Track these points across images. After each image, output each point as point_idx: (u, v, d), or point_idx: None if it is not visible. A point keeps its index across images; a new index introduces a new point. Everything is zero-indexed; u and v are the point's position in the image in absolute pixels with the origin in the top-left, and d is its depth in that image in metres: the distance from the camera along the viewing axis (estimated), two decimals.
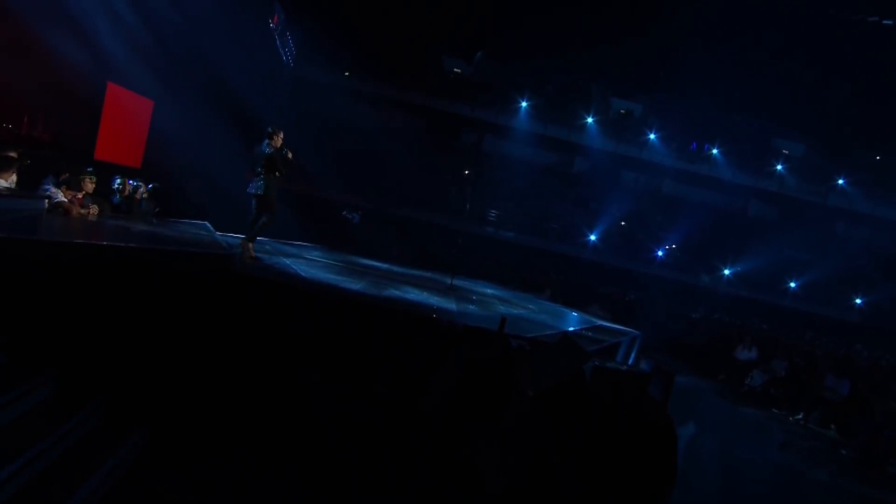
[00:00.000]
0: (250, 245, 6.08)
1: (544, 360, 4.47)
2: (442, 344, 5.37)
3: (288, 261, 7.08)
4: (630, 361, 7.32)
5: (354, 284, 6.51)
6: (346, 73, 18.54)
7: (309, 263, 7.38)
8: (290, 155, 6.17)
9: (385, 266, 9.27)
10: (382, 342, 5.36)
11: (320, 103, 17.25)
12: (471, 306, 6.94)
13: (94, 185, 5.50)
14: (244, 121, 14.17)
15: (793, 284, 15.62)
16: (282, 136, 6.10)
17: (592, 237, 17.32)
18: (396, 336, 5.38)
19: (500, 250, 15.92)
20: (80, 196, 5.38)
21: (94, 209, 5.49)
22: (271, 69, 14.80)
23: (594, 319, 8.66)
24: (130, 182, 6.86)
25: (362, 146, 17.51)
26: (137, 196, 6.62)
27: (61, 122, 10.39)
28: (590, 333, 6.83)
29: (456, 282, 8.35)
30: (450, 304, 6.73)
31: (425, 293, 7.11)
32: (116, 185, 6.43)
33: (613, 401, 4.67)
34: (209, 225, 7.16)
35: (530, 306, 8.57)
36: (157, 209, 7.01)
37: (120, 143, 11.64)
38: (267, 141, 6.04)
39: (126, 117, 11.61)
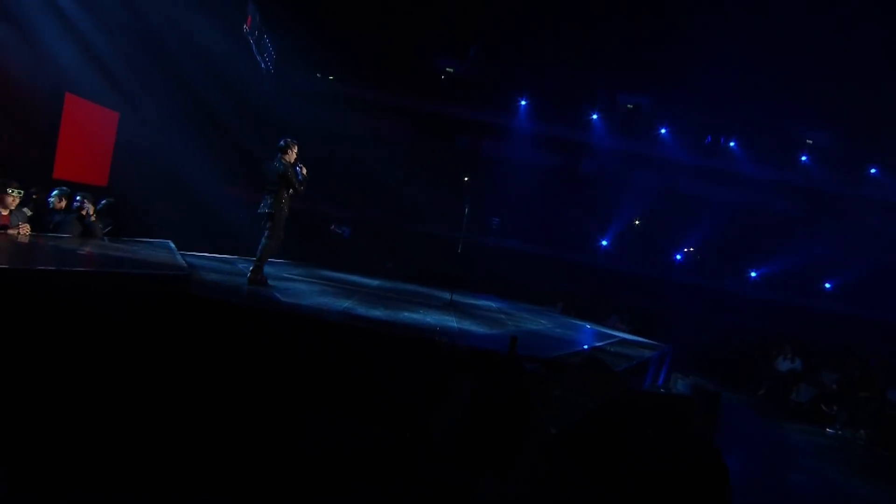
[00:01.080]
0: (260, 270, 5.84)
1: (567, 388, 3.86)
2: (443, 371, 4.77)
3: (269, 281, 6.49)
4: (661, 380, 6.71)
5: (339, 304, 5.91)
6: (331, 78, 18.14)
7: (290, 282, 6.80)
8: (304, 171, 6.03)
9: (376, 283, 8.69)
10: (371, 372, 4.76)
11: (303, 110, 16.67)
12: (475, 324, 6.34)
13: (17, 200, 4.95)
14: (220, 132, 13.73)
15: (828, 285, 15.02)
16: (296, 150, 5.96)
17: (604, 242, 16.77)
18: (388, 364, 4.78)
19: (503, 261, 15.38)
20: (5, 213, 4.81)
21: (24, 228, 4.93)
22: (247, 76, 14.36)
23: (616, 333, 8.06)
24: (77, 198, 6.33)
25: (350, 155, 17.01)
26: (84, 213, 6.07)
27: (13, 139, 9.87)
28: (614, 350, 6.23)
29: (456, 297, 7.77)
30: (450, 323, 6.14)
31: (421, 311, 6.53)
32: (50, 201, 5.89)
33: (652, 433, 4.04)
34: (171, 244, 6.61)
35: (542, 321, 7.99)
36: (108, 228, 6.47)
37: (82, 160, 11.15)
38: (279, 155, 5.85)
39: (88, 131, 11.14)
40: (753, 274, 15.57)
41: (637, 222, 17.29)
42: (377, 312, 5.90)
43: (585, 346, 5.94)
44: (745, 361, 9.40)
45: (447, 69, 18.98)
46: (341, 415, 4.69)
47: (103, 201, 6.64)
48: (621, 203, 17.14)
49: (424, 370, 4.85)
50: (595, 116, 17.85)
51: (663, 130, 17.50)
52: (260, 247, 5.92)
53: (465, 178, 18.35)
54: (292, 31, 15.98)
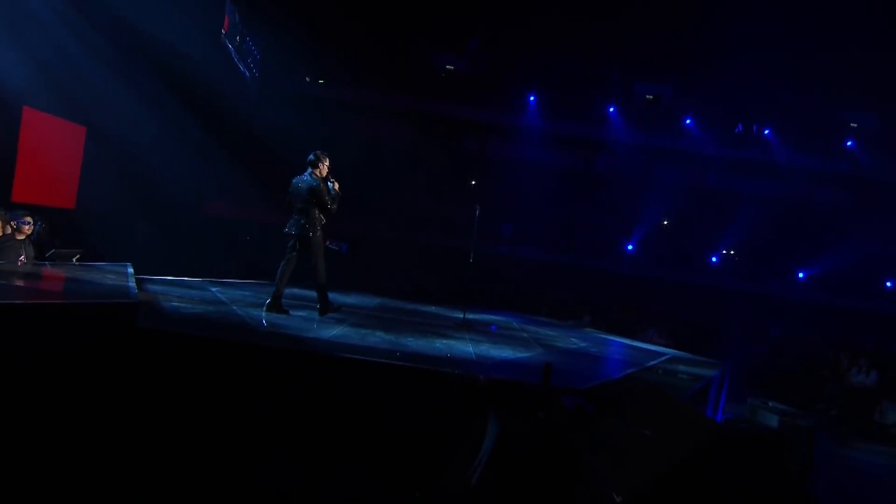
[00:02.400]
0: (279, 298, 5.54)
1: (625, 430, 3.03)
2: (459, 411, 3.97)
3: (240, 304, 5.74)
4: (722, 404, 5.85)
5: (328, 331, 5.14)
6: (321, 81, 17.71)
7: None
8: (336, 186, 5.73)
9: (376, 303, 7.93)
10: (367, 414, 3.96)
11: (292, 117, 16.37)
12: (495, 348, 5.53)
13: None
14: (200, 145, 13.18)
15: (889, 283, 14.10)
16: (328, 163, 5.70)
17: (630, 247, 16.03)
18: (388, 403, 3.98)
19: (519, 272, 14.70)
20: None
21: None
22: (228, 83, 13.83)
23: (661, 349, 7.22)
24: (24, 220, 5.68)
25: (345, 163, 16.37)
26: (21, 235, 5.42)
27: None
28: (666, 368, 5.40)
29: (469, 315, 6.98)
30: (465, 347, 5.34)
31: (429, 335, 5.73)
32: None
33: (741, 486, 3.17)
34: (130, 268, 5.90)
35: (573, 339, 7.17)
36: (51, 252, 5.84)
37: (45, 180, 10.56)
38: (309, 170, 5.59)
39: (51, 148, 10.56)
40: (801, 275, 14.73)
41: (665, 223, 16.55)
42: (374, 339, 5.11)
43: (633, 369, 5.12)
44: (809, 376, 8.51)
45: (447, 66, 18.65)
46: (329, 469, 3.89)
47: (37, 224, 6.03)
48: (645, 203, 16.53)
49: (434, 410, 4.05)
50: (612, 110, 17.28)
51: (688, 121, 16.91)
52: (279, 272, 5.58)
53: (472, 182, 17.83)
54: (278, 32, 15.48)
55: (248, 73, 15.91)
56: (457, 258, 15.22)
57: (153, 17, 10.51)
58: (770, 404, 4.64)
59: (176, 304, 5.12)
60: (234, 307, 5.51)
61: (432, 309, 8.54)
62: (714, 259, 15.73)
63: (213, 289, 6.66)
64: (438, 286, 12.15)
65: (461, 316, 7.00)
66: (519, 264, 15.07)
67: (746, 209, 15.66)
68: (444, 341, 5.49)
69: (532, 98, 17.50)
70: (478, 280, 11.31)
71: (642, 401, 3.16)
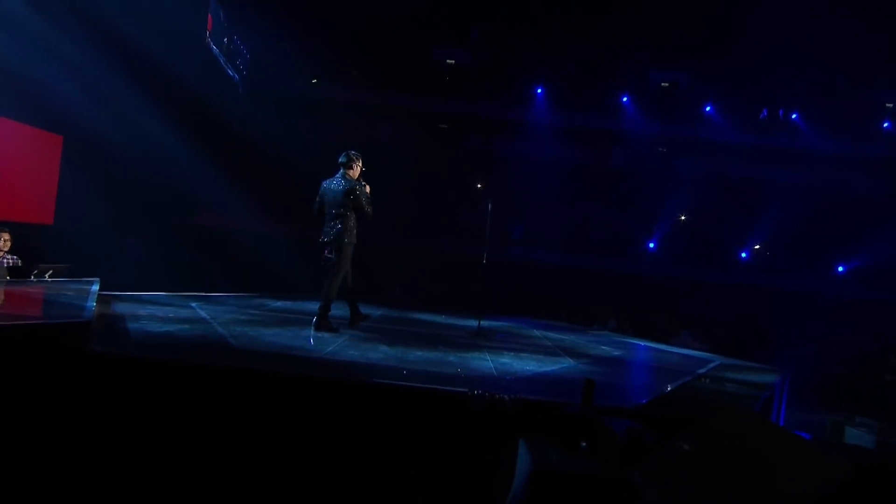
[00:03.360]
0: (327, 313, 5.36)
1: (705, 469, 2.39)
2: (479, 441, 3.36)
3: (222, 321, 5.16)
4: (782, 414, 5.19)
5: (321, 347, 4.54)
6: (314, 81, 17.25)
7: (260, 325, 5.46)
8: (368, 189, 5.61)
9: (379, 313, 7.33)
10: (365, 446, 3.35)
11: (285, 120, 15.97)
12: (517, 360, 4.91)
13: None
14: (186, 152, 12.78)
15: None
16: (360, 164, 5.60)
17: (651, 245, 15.42)
18: (390, 433, 3.37)
19: (532, 275, 14.12)
20: None
21: None
22: (215, 85, 13.39)
23: (702, 355, 6.57)
24: None
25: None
26: None
27: None
28: (716, 380, 4.76)
29: (484, 323, 6.38)
30: (482, 360, 4.73)
31: (441, 348, 5.12)
32: None
33: None
34: (96, 284, 5.34)
35: (603, 346, 6.55)
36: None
37: (18, 194, 10.13)
38: (342, 172, 5.48)
39: (23, 159, 10.13)
40: (840, 269, 14.03)
41: (682, 218, 15.96)
42: (376, 354, 4.50)
43: (682, 379, 4.48)
44: (869, 382, 7.84)
45: (448, 61, 18.14)
46: None
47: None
48: (665, 197, 16.00)
49: (449, 440, 3.44)
50: (625, 99, 16.73)
51: (708, 108, 16.34)
52: (326, 286, 5.41)
53: (479, 185, 17.33)
54: (267, 30, 15.06)
55: (237, 77, 15.50)
56: (465, 263, 14.78)
57: (133, 19, 10.10)
58: (857, 419, 4.00)
59: (144, 322, 4.54)
60: (216, 324, 4.93)
61: (442, 318, 7.95)
62: (744, 255, 15.08)
63: (194, 304, 6.09)
64: (447, 293, 11.72)
65: (475, 324, 6.40)
66: (532, 267, 14.51)
67: (775, 200, 15.06)
68: (458, 354, 4.88)
69: (539, 90, 17.01)
70: (489, 285, 10.95)
71: (721, 424, 2.53)
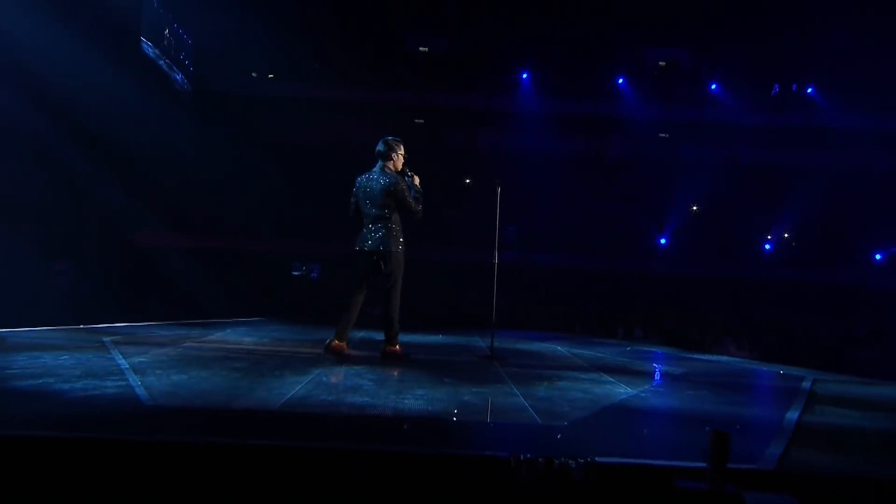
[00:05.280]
0: (397, 337, 4.80)
1: None
2: None
3: (140, 365, 3.86)
4: None
5: (279, 392, 3.28)
6: (270, 76, 16.28)
7: (196, 356, 4.19)
8: (416, 180, 5.03)
9: (360, 335, 6.10)
10: None
11: (239, 121, 14.92)
12: (555, 392, 3.70)
13: None
14: (125, 164, 11.66)
15: None
16: (402, 151, 4.97)
17: (662, 240, 14.73)
18: None
19: (533, 280, 13.16)
20: None
21: None
22: (155, 86, 12.29)
23: (788, 370, 5.42)
24: None
25: (309, 172, 15.14)
26: None
27: None
28: (837, 407, 3.61)
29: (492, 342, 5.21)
30: (511, 398, 3.52)
31: (445, 380, 3.90)
32: None
33: None
34: None
35: (654, 364, 5.41)
36: None
37: None
38: (381, 164, 4.84)
39: None
40: (878, 257, 13.33)
41: (695, 209, 15.18)
42: (359, 398, 3.26)
43: (796, 411, 3.32)
44: None
45: (421, 48, 17.45)
46: None
47: None
48: (673, 188, 15.26)
49: None
50: (621, 81, 16.10)
51: (713, 87, 15.73)
52: (388, 306, 4.83)
53: (467, 181, 16.72)
54: (214, 20, 13.90)
55: (180, 77, 14.29)
56: (453, 271, 13.79)
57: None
58: None
59: (15, 382, 3.24)
60: (130, 374, 3.61)
61: (438, 338, 6.76)
62: (768, 247, 14.34)
63: (107, 339, 4.78)
64: (436, 307, 10.62)
65: (483, 345, 5.22)
66: (531, 272, 13.50)
67: (794, 185, 14.41)
68: (474, 388, 3.65)
69: (525, 76, 16.38)
70: (486, 295, 10.15)
71: None
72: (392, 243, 4.78)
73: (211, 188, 13.19)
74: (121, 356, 4.16)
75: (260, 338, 6.02)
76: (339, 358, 4.62)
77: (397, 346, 4.80)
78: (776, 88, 15.50)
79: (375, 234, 4.76)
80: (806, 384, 4.43)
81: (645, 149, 16.34)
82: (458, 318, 9.01)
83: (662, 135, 16.51)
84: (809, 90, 15.16)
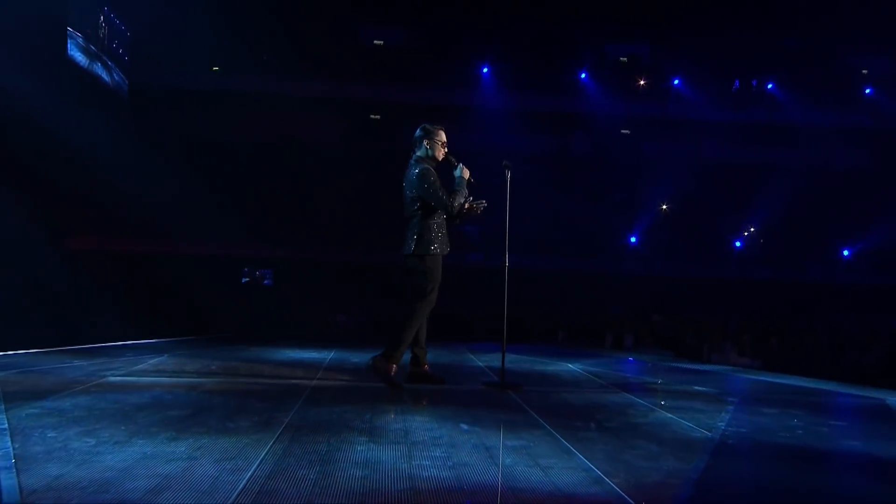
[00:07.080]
0: (399, 356, 4.05)
1: None
2: None
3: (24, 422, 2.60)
4: None
5: (240, 460, 2.11)
6: (215, 69, 15.13)
7: (114, 408, 2.92)
8: (467, 173, 4.35)
9: (328, 356, 4.95)
10: None
11: (181, 119, 14.09)
12: (616, 446, 2.64)
13: None
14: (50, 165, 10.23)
15: None
16: (443, 137, 4.26)
17: (633, 239, 14.37)
18: None
19: (502, 284, 12.30)
20: None
21: None
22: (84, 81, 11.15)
23: (856, 389, 4.63)
24: None
25: (259, 172, 14.44)
26: None
27: None
28: None
29: (480, 358, 4.27)
30: (565, 457, 2.46)
31: (464, 427, 2.81)
32: None
33: None
34: None
35: (695, 387, 4.47)
36: None
37: None
38: (415, 155, 4.24)
39: None
40: (846, 253, 13.21)
41: (664, 207, 14.77)
42: (351, 470, 2.17)
43: None
44: None
45: (376, 41, 16.66)
46: None
47: None
48: (638, 186, 15.04)
49: None
50: (583, 76, 15.69)
51: (675, 82, 15.46)
52: (400, 315, 4.15)
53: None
54: (152, 5, 12.63)
55: (110, 77, 12.78)
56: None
57: None
58: None
59: None
60: (5, 446, 2.37)
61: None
62: (738, 244, 14.27)
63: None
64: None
65: (478, 363, 4.22)
66: (498, 275, 12.70)
67: (756, 182, 14.31)
68: (508, 443, 2.60)
69: (486, 70, 15.81)
70: (454, 303, 9.51)
71: None
72: (416, 245, 4.11)
73: (146, 188, 11.86)
74: None
75: (206, 364, 4.83)
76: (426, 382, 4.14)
77: (392, 365, 4.05)
78: (737, 84, 15.33)
79: (406, 234, 4.24)
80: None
81: (609, 145, 16.02)
82: (435, 328, 8.02)
83: (625, 131, 16.11)
84: (769, 86, 15.09)
